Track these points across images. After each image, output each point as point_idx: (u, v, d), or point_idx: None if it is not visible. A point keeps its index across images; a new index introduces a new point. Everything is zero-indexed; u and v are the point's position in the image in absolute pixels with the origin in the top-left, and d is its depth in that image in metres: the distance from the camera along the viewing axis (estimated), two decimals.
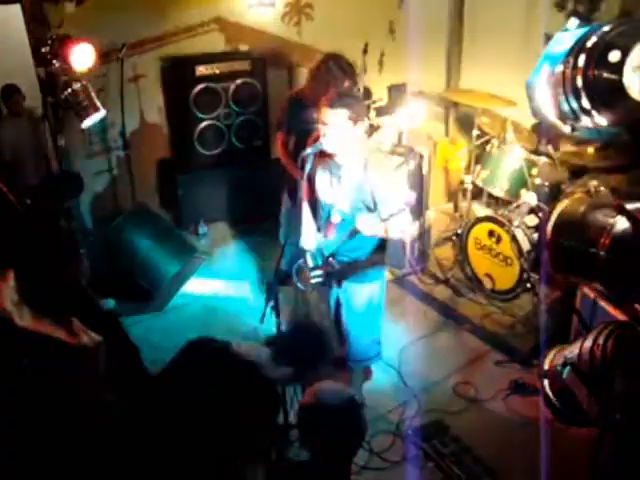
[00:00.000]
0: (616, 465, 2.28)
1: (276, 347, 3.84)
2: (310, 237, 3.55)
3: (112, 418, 2.21)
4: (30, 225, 3.23)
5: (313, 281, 3.56)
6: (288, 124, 4.29)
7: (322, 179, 3.42)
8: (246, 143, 5.80)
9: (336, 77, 3.86)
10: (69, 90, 4.46)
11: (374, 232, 3.26)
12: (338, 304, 3.62)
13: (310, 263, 3.59)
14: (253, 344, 3.99)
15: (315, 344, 3.51)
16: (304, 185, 3.50)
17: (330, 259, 3.45)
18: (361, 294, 3.49)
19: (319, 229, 3.56)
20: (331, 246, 3.44)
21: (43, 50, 4.27)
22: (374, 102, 6.03)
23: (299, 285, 3.71)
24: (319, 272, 3.55)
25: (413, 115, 4.82)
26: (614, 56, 1.91)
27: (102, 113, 4.60)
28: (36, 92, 4.27)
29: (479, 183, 4.99)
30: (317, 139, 3.24)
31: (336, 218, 3.38)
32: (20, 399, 2.15)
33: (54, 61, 4.37)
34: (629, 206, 2.38)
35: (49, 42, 4.33)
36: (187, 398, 2.00)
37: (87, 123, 4.56)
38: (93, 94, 4.58)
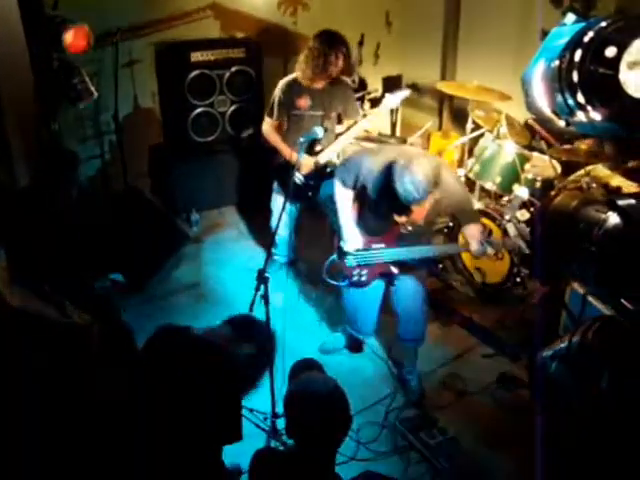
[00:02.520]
0: (604, 456, 2.30)
1: (234, 325, 3.88)
2: (355, 240, 3.56)
3: (105, 397, 2.22)
4: (22, 204, 3.19)
5: (355, 279, 3.57)
6: (283, 109, 4.32)
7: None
8: (240, 131, 5.79)
9: (327, 52, 4.06)
10: (63, 74, 4.43)
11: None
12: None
13: (353, 261, 3.56)
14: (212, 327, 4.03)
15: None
16: (347, 193, 3.56)
17: (389, 265, 3.53)
18: (413, 283, 3.66)
19: (372, 232, 3.57)
20: (391, 255, 3.51)
21: (37, 33, 4.23)
22: (369, 93, 6.02)
23: (329, 280, 3.67)
24: (365, 271, 3.54)
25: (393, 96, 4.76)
26: (610, 52, 1.92)
27: (95, 97, 4.57)
28: (29, 75, 4.22)
29: (472, 176, 4.99)
30: None
31: (407, 225, 3.41)
32: (17, 378, 2.15)
33: (48, 44, 4.33)
34: (620, 202, 2.40)
35: (43, 25, 4.30)
36: (154, 381, 2.02)
37: (80, 107, 4.52)
38: (87, 78, 4.56)
